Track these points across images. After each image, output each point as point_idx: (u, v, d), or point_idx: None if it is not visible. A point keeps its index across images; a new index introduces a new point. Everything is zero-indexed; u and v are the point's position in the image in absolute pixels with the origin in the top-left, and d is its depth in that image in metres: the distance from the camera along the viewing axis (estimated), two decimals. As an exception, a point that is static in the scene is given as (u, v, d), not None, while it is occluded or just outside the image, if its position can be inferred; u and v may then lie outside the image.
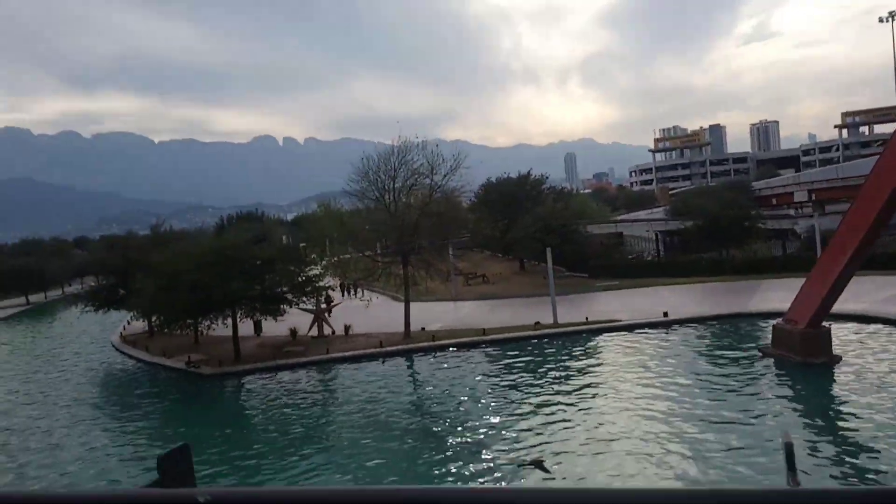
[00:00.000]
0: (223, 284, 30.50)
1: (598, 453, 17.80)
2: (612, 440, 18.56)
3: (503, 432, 20.25)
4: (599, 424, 19.93)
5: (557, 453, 18.00)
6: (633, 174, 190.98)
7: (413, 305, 35.52)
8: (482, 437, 20.18)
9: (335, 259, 41.17)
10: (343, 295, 48.49)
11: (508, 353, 30.41)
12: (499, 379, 26.88)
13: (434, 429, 21.51)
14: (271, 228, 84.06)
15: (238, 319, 33.67)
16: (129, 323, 48.76)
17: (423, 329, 34.83)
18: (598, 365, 27.42)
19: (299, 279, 34.48)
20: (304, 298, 34.98)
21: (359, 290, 47.62)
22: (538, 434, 19.61)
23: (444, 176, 33.79)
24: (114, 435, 24.24)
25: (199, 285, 30.10)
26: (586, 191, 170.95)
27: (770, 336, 26.68)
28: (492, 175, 65.44)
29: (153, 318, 38.89)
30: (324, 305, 38.03)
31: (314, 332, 37.16)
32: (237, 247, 33.01)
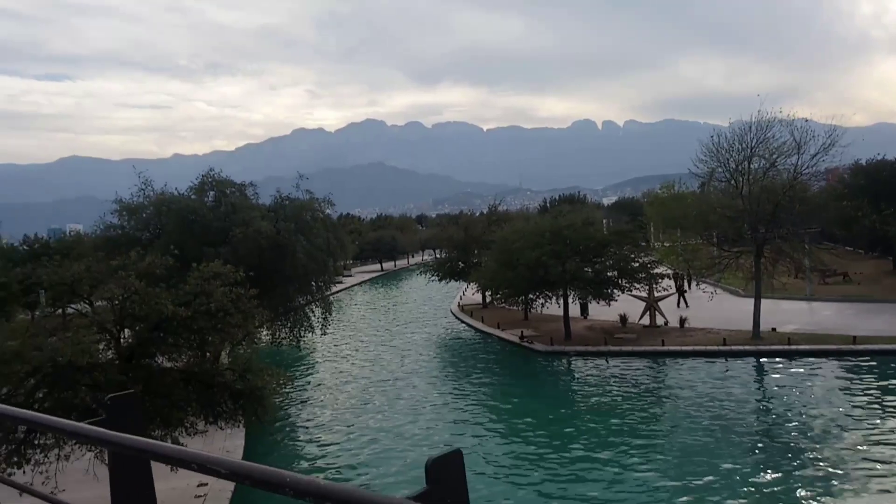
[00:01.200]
0: (559, 264, 30.81)
1: None
2: None
3: (870, 463, 16.67)
4: None
5: None
6: None
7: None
8: (845, 463, 16.83)
9: (673, 245, 38.60)
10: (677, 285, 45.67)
11: (888, 368, 25.11)
12: (873, 398, 22.24)
13: (789, 446, 18.52)
14: (592, 211, 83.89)
15: (569, 300, 33.81)
16: (464, 294, 53.03)
17: (773, 330, 30.81)
18: None
19: (633, 265, 33.26)
20: (637, 285, 33.63)
21: (693, 280, 44.30)
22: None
23: (814, 156, 28.99)
24: (460, 395, 26.02)
25: (537, 263, 30.78)
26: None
27: None
28: (848, 157, 55.21)
29: (489, 291, 41.28)
30: (664, 291, 35.90)
31: (646, 320, 35.60)
32: (574, 227, 32.97)
